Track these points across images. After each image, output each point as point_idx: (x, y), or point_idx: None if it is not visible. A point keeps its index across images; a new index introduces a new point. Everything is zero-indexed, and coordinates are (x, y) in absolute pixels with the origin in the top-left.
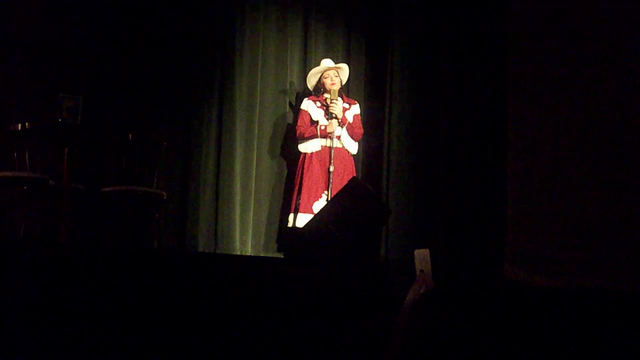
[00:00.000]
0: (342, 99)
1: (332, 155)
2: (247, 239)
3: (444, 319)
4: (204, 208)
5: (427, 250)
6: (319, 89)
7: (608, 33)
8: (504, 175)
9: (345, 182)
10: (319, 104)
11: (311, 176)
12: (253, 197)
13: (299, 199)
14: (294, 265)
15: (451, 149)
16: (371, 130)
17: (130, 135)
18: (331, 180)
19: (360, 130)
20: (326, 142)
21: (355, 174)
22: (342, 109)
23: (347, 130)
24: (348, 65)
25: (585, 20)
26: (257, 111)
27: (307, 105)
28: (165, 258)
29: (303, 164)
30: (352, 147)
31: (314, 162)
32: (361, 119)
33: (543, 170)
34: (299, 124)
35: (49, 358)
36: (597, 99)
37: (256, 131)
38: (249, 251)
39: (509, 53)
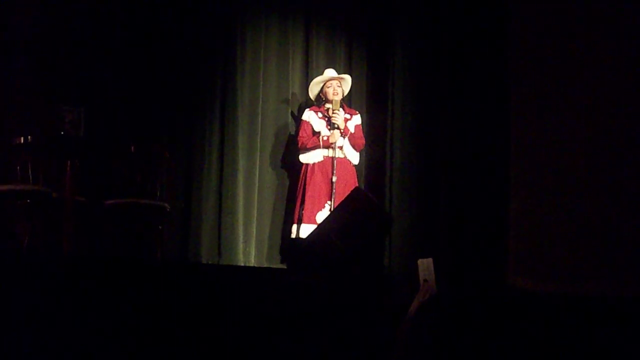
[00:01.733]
0: (344, 109)
1: (335, 165)
2: (250, 250)
3: (448, 327)
4: (207, 219)
5: (431, 259)
6: (321, 99)
7: (609, 33)
8: (507, 183)
9: (347, 192)
10: (320, 114)
11: (314, 187)
12: (256, 207)
13: (302, 209)
14: (297, 276)
15: (453, 157)
16: (373, 140)
17: (132, 147)
18: (334, 191)
19: (362, 141)
20: (328, 153)
21: (357, 184)
22: (343, 119)
23: (349, 140)
24: (350, 75)
25: (586, 21)
26: (259, 122)
27: (309, 116)
28: (168, 270)
29: (305, 175)
30: (354, 157)
31: (316, 173)
32: (363, 129)
33: (546, 177)
34: (300, 134)
35: None
36: (600, 104)
37: (258, 141)
38: (252, 262)
39: (511, 62)
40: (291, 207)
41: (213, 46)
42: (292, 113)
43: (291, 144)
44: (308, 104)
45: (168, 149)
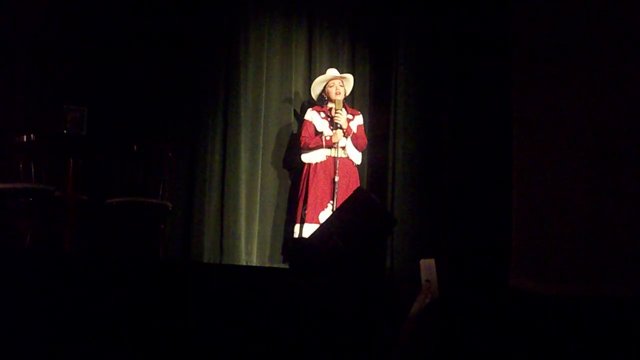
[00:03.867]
0: (346, 109)
1: (337, 165)
2: (252, 249)
3: (450, 328)
4: (209, 219)
5: (433, 260)
6: (323, 98)
7: (610, 33)
8: (509, 184)
9: (350, 192)
10: (323, 114)
11: (317, 186)
12: (258, 207)
13: (305, 209)
14: (299, 275)
15: (456, 158)
16: (376, 140)
17: (135, 146)
18: (336, 190)
19: (364, 141)
20: (331, 152)
21: (359, 184)
22: (346, 119)
23: (352, 140)
24: (353, 75)
25: (588, 21)
26: (262, 121)
27: (312, 115)
28: (170, 269)
29: (308, 175)
30: (357, 157)
31: (318, 173)
32: (366, 129)
33: (548, 178)
34: (303, 134)
35: None
36: (604, 103)
37: (261, 141)
38: (254, 262)
39: (514, 61)
40: (293, 206)
41: (216, 45)
42: (294, 112)
43: (293, 143)
44: (311, 103)
45: (170, 148)
